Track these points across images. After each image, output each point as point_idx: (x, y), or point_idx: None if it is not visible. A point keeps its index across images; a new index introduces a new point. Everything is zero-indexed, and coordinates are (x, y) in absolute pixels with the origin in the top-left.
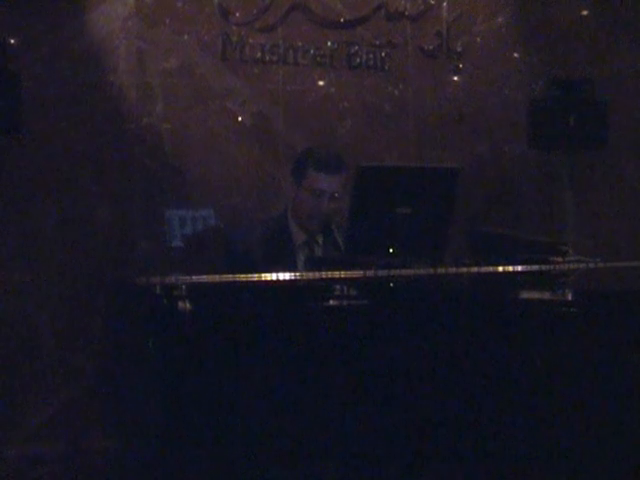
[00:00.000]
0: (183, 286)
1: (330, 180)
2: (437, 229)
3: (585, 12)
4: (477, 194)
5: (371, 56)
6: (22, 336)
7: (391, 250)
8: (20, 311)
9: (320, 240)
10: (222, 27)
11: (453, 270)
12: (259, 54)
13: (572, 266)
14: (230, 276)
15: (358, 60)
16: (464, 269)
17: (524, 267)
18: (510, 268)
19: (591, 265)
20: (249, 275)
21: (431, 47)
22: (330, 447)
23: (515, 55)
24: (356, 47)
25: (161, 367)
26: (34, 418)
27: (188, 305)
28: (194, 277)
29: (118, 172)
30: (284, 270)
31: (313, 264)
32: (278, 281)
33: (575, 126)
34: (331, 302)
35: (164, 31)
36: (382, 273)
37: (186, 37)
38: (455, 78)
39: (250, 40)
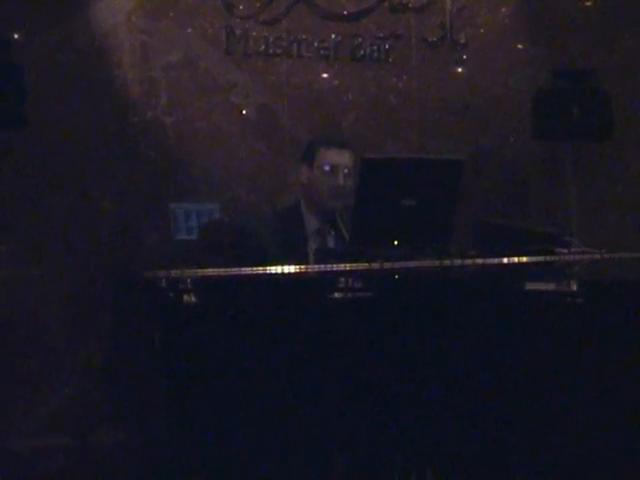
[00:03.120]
0: (189, 279)
1: (342, 154)
2: (442, 220)
3: (589, 2)
4: (481, 185)
5: (375, 48)
6: (29, 329)
7: (396, 242)
8: (26, 305)
9: (332, 227)
10: (226, 20)
11: (458, 262)
12: (263, 47)
13: (577, 257)
14: (236, 269)
15: (362, 52)
16: (469, 260)
17: (529, 258)
18: (515, 259)
19: (596, 256)
20: (255, 268)
21: (435, 38)
22: (336, 441)
23: (519, 46)
24: (360, 39)
25: (167, 360)
26: (41, 411)
27: (194, 298)
28: (200, 270)
29: (122, 165)
30: (297, 258)
31: (319, 256)
32: (284, 274)
33: (580, 117)
34: (336, 294)
35: (168, 24)
36: (387, 265)
37: (190, 30)
38: (459, 69)
39: (254, 33)
